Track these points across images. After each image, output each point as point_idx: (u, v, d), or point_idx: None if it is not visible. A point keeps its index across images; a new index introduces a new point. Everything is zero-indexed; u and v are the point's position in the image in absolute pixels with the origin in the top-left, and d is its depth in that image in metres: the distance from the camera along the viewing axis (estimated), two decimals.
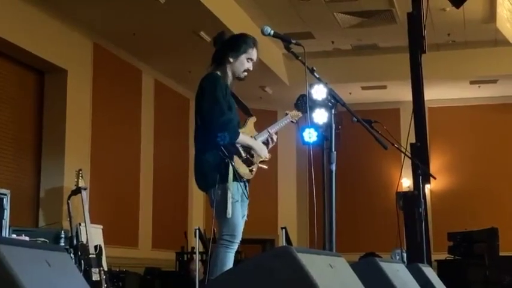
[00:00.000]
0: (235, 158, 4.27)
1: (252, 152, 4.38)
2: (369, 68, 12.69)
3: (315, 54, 11.68)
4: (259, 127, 4.57)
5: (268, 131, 4.54)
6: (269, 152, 4.55)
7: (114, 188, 10.26)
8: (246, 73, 4.48)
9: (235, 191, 4.26)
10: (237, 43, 4.46)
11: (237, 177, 4.25)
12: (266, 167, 4.51)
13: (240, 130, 4.36)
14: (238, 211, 4.28)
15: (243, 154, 4.33)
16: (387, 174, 13.36)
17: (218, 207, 4.24)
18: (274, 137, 4.57)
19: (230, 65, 4.44)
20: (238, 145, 4.32)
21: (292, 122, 4.79)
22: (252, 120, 4.54)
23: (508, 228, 11.47)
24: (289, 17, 10.80)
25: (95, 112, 9.85)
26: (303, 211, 13.87)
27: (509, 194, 13.30)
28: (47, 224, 8.55)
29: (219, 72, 4.43)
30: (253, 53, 4.48)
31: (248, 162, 4.35)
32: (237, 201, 4.27)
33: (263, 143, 4.49)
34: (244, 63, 4.45)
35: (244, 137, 4.33)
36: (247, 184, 4.39)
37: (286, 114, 4.78)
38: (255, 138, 4.46)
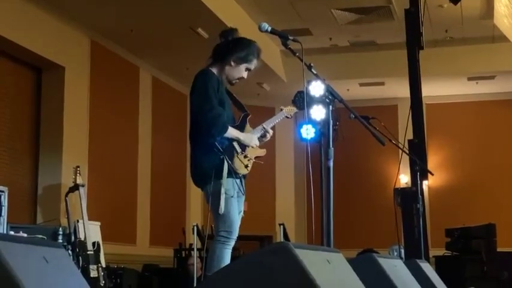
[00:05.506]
0: (230, 153, 4.26)
1: (247, 147, 4.37)
2: (366, 65, 12.69)
3: (313, 51, 11.68)
4: (257, 123, 4.57)
5: (263, 127, 4.52)
6: (267, 148, 4.55)
7: (112, 185, 10.25)
8: (238, 80, 4.47)
9: (231, 187, 4.24)
10: (244, 51, 4.39)
11: (232, 173, 4.24)
12: (262, 162, 4.51)
13: (233, 125, 4.34)
14: (235, 207, 4.26)
15: (238, 150, 4.32)
16: (385, 171, 13.36)
17: (213, 204, 4.22)
18: (270, 132, 4.55)
19: (228, 68, 4.39)
20: (234, 142, 4.31)
21: (287, 117, 4.79)
22: (246, 117, 4.53)
23: (505, 224, 11.49)
24: (287, 13, 10.79)
25: (93, 109, 9.84)
26: (300, 207, 13.87)
27: (506, 189, 13.31)
28: (45, 220, 8.54)
29: (212, 69, 4.41)
30: (254, 64, 4.46)
31: (243, 158, 4.35)
32: (233, 197, 4.26)
33: (258, 138, 4.48)
34: (242, 72, 4.43)
35: (231, 129, 4.30)
36: (242, 180, 4.38)
37: (281, 109, 4.78)
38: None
